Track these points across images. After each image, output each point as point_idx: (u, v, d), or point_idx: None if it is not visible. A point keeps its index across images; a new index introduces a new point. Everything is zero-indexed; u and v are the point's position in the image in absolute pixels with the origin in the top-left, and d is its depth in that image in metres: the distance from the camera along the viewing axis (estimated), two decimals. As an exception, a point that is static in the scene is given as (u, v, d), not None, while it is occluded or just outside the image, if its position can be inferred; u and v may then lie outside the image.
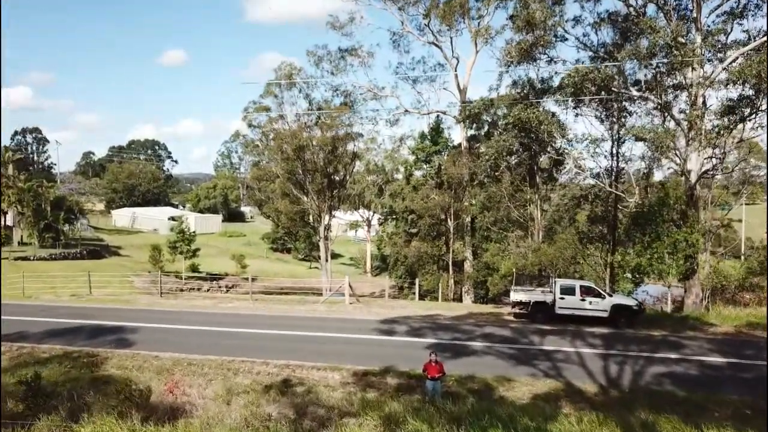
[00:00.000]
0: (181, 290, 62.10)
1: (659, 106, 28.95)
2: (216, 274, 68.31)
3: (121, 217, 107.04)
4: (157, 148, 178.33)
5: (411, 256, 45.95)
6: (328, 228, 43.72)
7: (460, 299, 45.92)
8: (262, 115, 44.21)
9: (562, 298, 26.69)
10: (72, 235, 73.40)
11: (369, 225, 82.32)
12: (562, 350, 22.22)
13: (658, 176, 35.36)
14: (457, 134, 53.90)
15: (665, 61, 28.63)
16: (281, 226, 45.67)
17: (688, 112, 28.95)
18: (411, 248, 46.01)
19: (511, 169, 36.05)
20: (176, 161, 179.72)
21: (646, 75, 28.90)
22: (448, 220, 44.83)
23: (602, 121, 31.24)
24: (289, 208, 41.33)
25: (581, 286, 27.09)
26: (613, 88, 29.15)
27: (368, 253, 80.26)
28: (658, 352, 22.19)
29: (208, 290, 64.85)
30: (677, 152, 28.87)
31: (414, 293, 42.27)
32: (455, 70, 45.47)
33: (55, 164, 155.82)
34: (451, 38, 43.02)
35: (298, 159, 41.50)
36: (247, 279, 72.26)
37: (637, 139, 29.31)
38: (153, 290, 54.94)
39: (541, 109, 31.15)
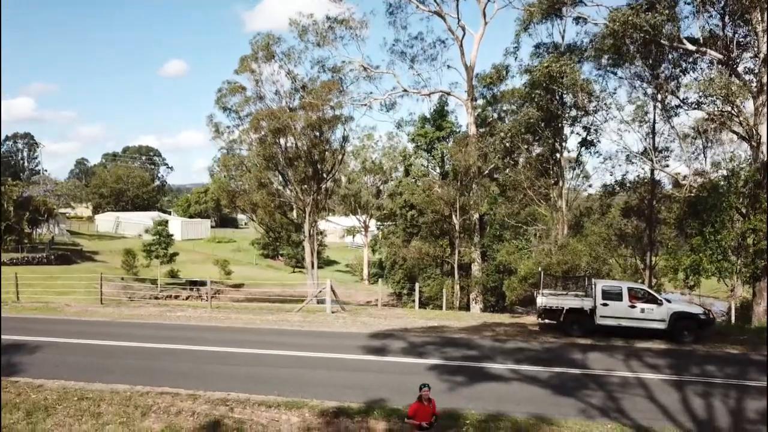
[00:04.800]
0: (156, 298, 56.16)
1: (721, 62, 22.85)
2: (196, 281, 62.20)
3: (105, 221, 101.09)
4: (152, 154, 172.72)
5: (410, 258, 39.72)
6: (313, 226, 37.54)
7: (467, 308, 39.70)
8: (239, 95, 38.07)
9: (605, 305, 20.50)
10: (39, 238, 67.42)
11: (366, 229, 76.28)
12: (617, 374, 16.02)
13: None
14: (463, 118, 47.97)
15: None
16: (258, 221, 39.80)
17: (758, 69, 22.91)
18: (410, 249, 39.80)
19: (530, 150, 29.94)
20: (171, 167, 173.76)
21: (704, 24, 22.87)
22: (454, 216, 38.68)
23: (648, 83, 25.05)
24: (267, 201, 35.12)
25: (630, 289, 20.91)
26: (662, 41, 23.12)
27: (365, 259, 74.16)
28: (748, 377, 15.99)
29: (186, 298, 58.92)
30: (744, 120, 22.76)
31: (414, 301, 36.07)
32: (461, 45, 39.49)
33: (46, 170, 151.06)
34: (457, 2, 37.10)
35: (278, 143, 35.45)
36: (235, 286, 67.27)
37: (696, 105, 23.20)
38: (122, 297, 49.01)
39: (574, 66, 25.07)
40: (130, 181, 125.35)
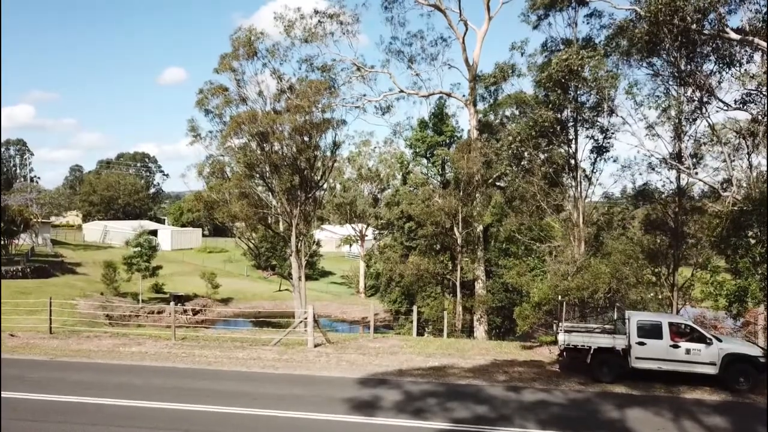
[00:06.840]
0: (137, 315, 52.64)
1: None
2: (181, 296, 58.57)
3: (92, 230, 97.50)
4: (147, 161, 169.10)
5: (408, 274, 36.14)
6: (300, 239, 33.99)
7: (470, 329, 36.16)
8: (220, 96, 34.56)
9: (641, 343, 16.96)
10: (17, 249, 63.84)
11: (362, 239, 72.72)
12: (671, 445, 12.43)
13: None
14: (464, 121, 44.64)
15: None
16: (238, 235, 36.67)
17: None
18: (408, 265, 36.23)
19: (541, 156, 26.44)
20: (167, 174, 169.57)
21: (756, 9, 19.51)
22: (456, 228, 35.20)
23: (683, 79, 21.65)
24: (249, 212, 31.58)
25: (671, 325, 17.35)
26: (705, 30, 19.75)
27: (362, 270, 70.55)
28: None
29: (170, 314, 55.36)
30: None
31: (411, 322, 32.50)
32: (462, 42, 36.23)
33: (39, 177, 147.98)
34: (458, -5, 33.78)
35: (262, 149, 31.99)
36: (223, 300, 63.56)
37: (742, 103, 19.81)
38: (99, 316, 45.30)
39: (600, 59, 21.79)
40: (121, 188, 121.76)
